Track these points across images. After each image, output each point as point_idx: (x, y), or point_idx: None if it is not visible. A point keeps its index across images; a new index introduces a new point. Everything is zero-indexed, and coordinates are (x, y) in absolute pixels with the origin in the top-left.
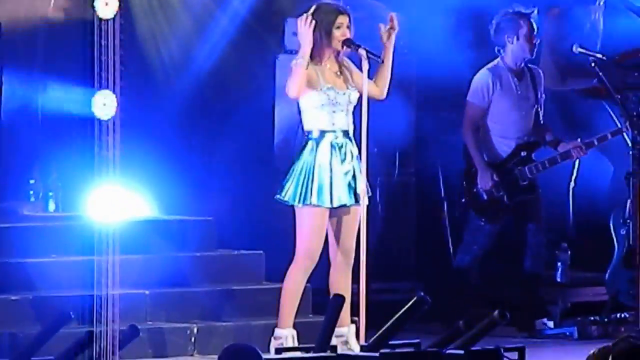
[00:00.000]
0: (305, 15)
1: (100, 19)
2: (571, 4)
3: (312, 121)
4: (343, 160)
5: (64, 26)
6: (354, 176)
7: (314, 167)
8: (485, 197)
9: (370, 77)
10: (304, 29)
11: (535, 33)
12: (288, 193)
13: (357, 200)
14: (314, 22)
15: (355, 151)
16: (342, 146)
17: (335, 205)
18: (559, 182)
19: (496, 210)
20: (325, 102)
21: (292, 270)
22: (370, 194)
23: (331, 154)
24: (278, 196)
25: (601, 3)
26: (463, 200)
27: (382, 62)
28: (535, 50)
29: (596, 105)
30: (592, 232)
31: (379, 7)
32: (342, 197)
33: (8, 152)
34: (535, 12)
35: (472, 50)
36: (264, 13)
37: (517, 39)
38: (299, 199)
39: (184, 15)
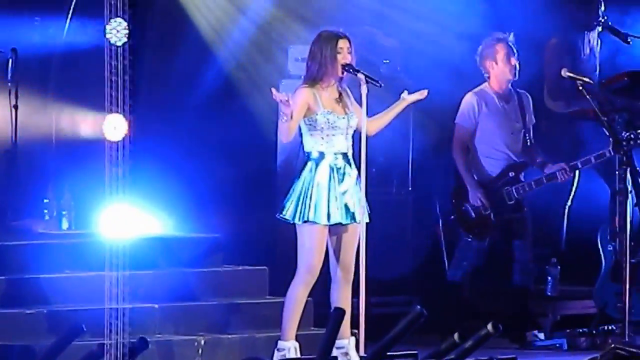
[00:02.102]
0: (276, 93)
1: (112, 45)
2: (571, 33)
3: (311, 143)
4: (341, 181)
5: (77, 52)
6: (352, 196)
7: (312, 186)
8: (473, 215)
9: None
10: (280, 105)
11: (514, 55)
12: (288, 211)
13: (354, 219)
14: (288, 97)
15: (354, 173)
16: (340, 168)
17: (331, 222)
18: (555, 200)
19: (483, 227)
20: (324, 126)
21: (294, 285)
22: (369, 211)
23: (329, 174)
24: (279, 215)
25: (600, 29)
26: (452, 217)
27: (380, 86)
28: (516, 71)
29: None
30: (581, 248)
31: (375, 33)
32: (338, 215)
33: (24, 173)
34: (511, 36)
35: (465, 74)
36: (268, 39)
37: (496, 63)
38: (299, 217)
39: (191, 41)
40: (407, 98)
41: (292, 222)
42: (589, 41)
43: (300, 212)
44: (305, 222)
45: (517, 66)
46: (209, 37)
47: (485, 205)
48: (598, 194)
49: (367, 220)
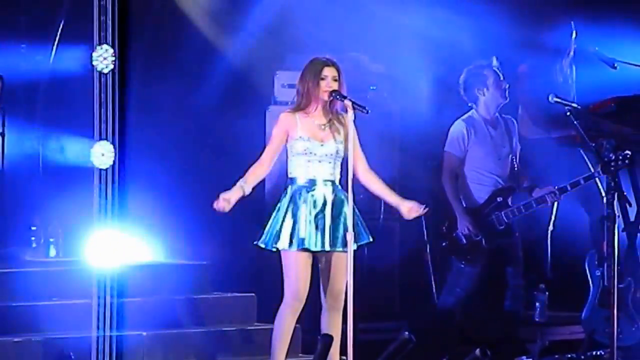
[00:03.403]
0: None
1: (99, 72)
2: (543, 59)
3: (292, 168)
4: (323, 208)
5: (64, 78)
6: (336, 222)
7: (293, 213)
8: (464, 241)
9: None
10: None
11: (501, 79)
12: (263, 237)
13: (335, 246)
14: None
15: (341, 200)
16: (322, 195)
17: (315, 249)
18: (538, 225)
19: (475, 253)
20: (300, 152)
21: (281, 312)
22: (368, 236)
23: (308, 200)
24: (255, 242)
25: (571, 54)
26: (444, 244)
27: (367, 112)
28: (507, 93)
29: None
30: (569, 274)
31: (362, 59)
32: (321, 243)
33: (10, 200)
34: (494, 60)
35: (453, 101)
36: (254, 66)
37: (487, 89)
38: (272, 242)
39: (179, 67)
40: (405, 213)
41: (268, 248)
42: (562, 68)
43: (272, 237)
44: (280, 249)
45: (507, 89)
46: (197, 63)
47: (476, 231)
48: (583, 220)
49: (368, 241)
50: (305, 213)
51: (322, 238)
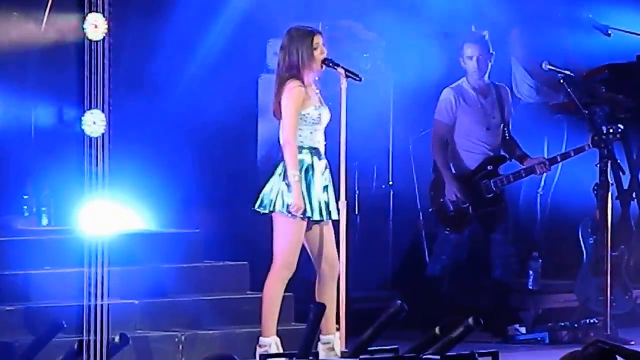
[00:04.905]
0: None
1: (90, 40)
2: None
3: (301, 137)
4: (315, 176)
5: (55, 47)
6: (327, 191)
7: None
8: (451, 208)
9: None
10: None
11: (475, 54)
12: (263, 202)
13: (330, 215)
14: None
15: (325, 167)
16: (321, 161)
17: (315, 218)
18: (529, 193)
19: (461, 220)
20: (314, 120)
21: (270, 280)
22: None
23: (315, 168)
24: (253, 207)
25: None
26: (430, 210)
27: (360, 80)
28: (481, 71)
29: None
30: (562, 241)
31: (356, 27)
32: (319, 211)
33: (2, 169)
34: (481, 33)
35: (446, 68)
36: (246, 33)
37: (469, 59)
38: (271, 205)
39: (170, 36)
40: None
41: (266, 212)
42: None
43: (274, 202)
44: (278, 211)
45: (484, 66)
46: (189, 31)
47: (463, 198)
48: (579, 187)
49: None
50: (312, 182)
51: (326, 207)
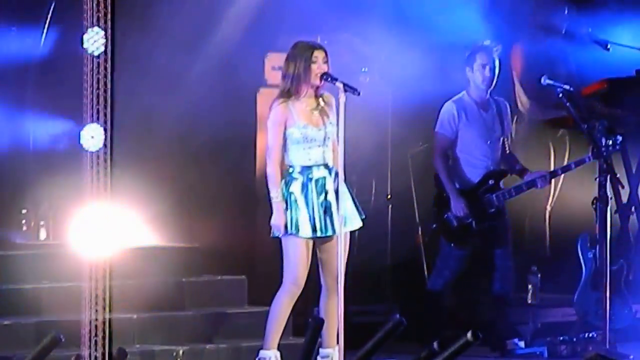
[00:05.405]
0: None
1: (89, 54)
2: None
3: (290, 156)
4: (320, 193)
5: (54, 61)
6: (332, 207)
7: (292, 199)
8: (455, 223)
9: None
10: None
11: (487, 65)
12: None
13: (334, 230)
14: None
15: (335, 184)
16: (319, 179)
17: (317, 235)
18: (531, 206)
19: (464, 235)
20: (300, 140)
21: (279, 296)
22: (363, 216)
23: (308, 187)
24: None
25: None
26: (434, 226)
27: (359, 94)
28: (490, 81)
29: None
30: (562, 255)
31: (355, 41)
32: (321, 227)
33: (1, 183)
34: (488, 42)
35: (445, 82)
36: (245, 47)
37: (472, 71)
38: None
39: (170, 49)
40: None
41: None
42: (556, 48)
43: (294, 227)
44: (288, 234)
45: (492, 77)
46: (188, 45)
47: (467, 213)
48: (579, 200)
49: (357, 227)
50: (312, 199)
51: (331, 223)
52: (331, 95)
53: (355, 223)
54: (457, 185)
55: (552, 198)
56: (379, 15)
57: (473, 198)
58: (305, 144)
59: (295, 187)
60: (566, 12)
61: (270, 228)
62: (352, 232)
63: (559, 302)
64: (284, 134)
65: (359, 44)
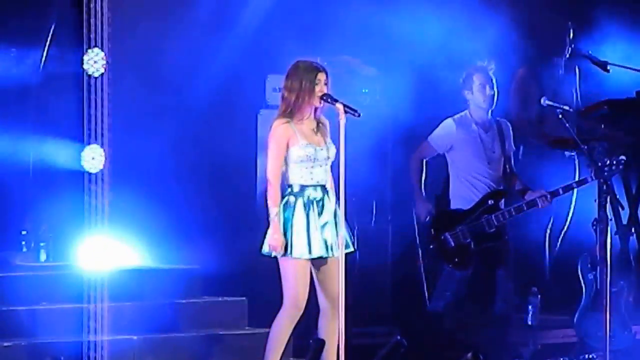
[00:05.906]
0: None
1: (89, 76)
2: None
3: (292, 176)
4: (320, 214)
5: (55, 82)
6: (331, 229)
7: (291, 219)
8: (452, 243)
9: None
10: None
11: (486, 84)
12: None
13: (333, 252)
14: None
15: (333, 205)
16: (319, 200)
17: (313, 256)
18: (531, 227)
19: (463, 256)
20: (304, 159)
21: (280, 318)
22: (352, 240)
23: (308, 208)
24: (262, 250)
25: (567, 55)
26: (432, 246)
27: (359, 115)
28: (490, 101)
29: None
30: (562, 277)
31: (355, 62)
32: (319, 248)
33: (1, 204)
34: (485, 64)
35: (445, 103)
36: (245, 69)
37: (472, 92)
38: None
39: (171, 70)
40: None
41: (272, 256)
42: (560, 69)
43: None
44: (285, 255)
45: (493, 96)
46: (188, 67)
47: (464, 233)
48: (580, 222)
49: (351, 250)
50: (312, 220)
51: (328, 244)
52: (325, 118)
53: (350, 246)
54: (456, 205)
55: (568, 221)
56: (379, 36)
57: (471, 219)
58: (308, 163)
59: (296, 207)
60: (571, 35)
61: (262, 243)
62: (349, 254)
63: (559, 323)
64: (288, 153)
65: (359, 65)
